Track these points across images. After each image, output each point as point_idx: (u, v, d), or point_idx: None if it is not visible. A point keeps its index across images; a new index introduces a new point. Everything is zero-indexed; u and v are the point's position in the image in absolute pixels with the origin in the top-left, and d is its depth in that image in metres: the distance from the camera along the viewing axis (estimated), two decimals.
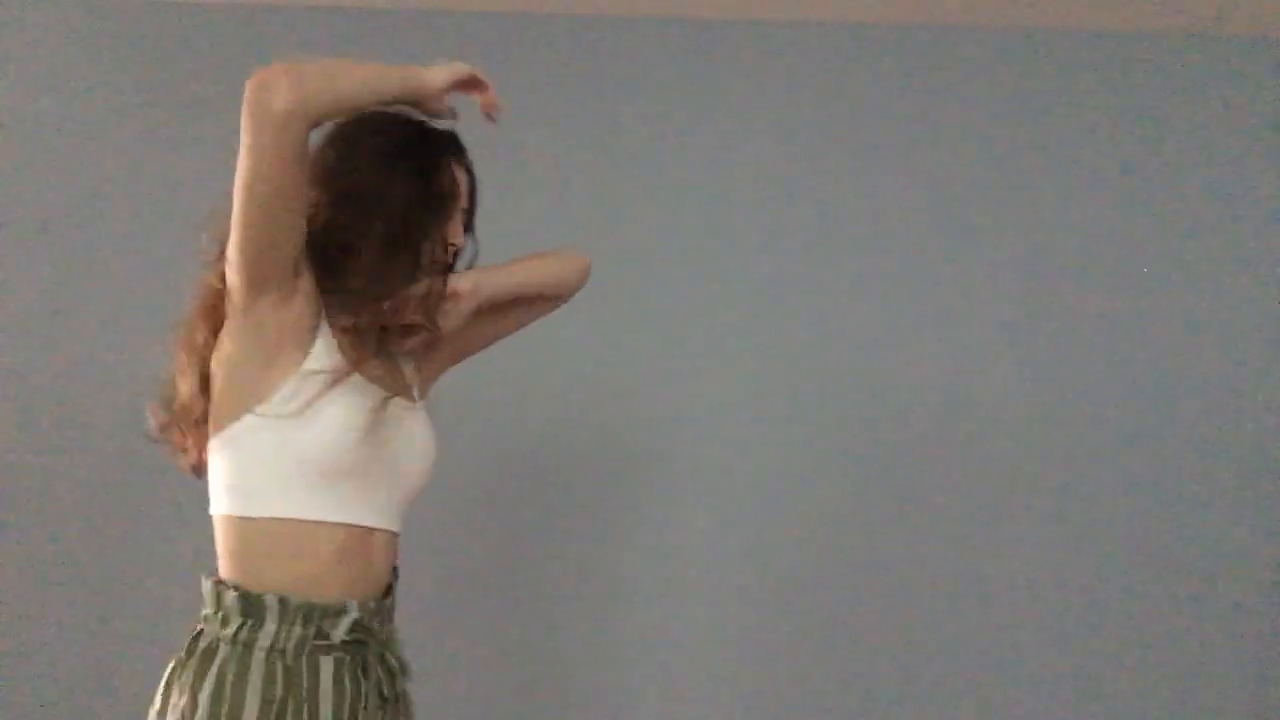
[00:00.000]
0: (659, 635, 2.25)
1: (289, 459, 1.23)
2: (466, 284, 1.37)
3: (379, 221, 1.28)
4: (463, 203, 1.37)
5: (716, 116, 2.38)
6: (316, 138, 1.25)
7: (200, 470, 1.33)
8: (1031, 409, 2.33)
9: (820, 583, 2.27)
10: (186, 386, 1.30)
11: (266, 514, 1.25)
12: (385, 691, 1.30)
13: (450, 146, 1.37)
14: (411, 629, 1.46)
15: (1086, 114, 2.40)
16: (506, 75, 2.43)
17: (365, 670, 1.28)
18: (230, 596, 1.23)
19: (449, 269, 1.38)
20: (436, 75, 1.28)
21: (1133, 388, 2.34)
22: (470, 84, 1.34)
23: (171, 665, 1.26)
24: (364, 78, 1.22)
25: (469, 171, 1.39)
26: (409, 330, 1.34)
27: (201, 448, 1.31)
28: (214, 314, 1.29)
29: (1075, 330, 2.35)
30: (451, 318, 1.36)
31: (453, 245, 1.37)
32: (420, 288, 1.32)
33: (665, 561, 2.27)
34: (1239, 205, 2.39)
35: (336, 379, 1.24)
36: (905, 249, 2.36)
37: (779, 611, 2.27)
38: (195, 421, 1.31)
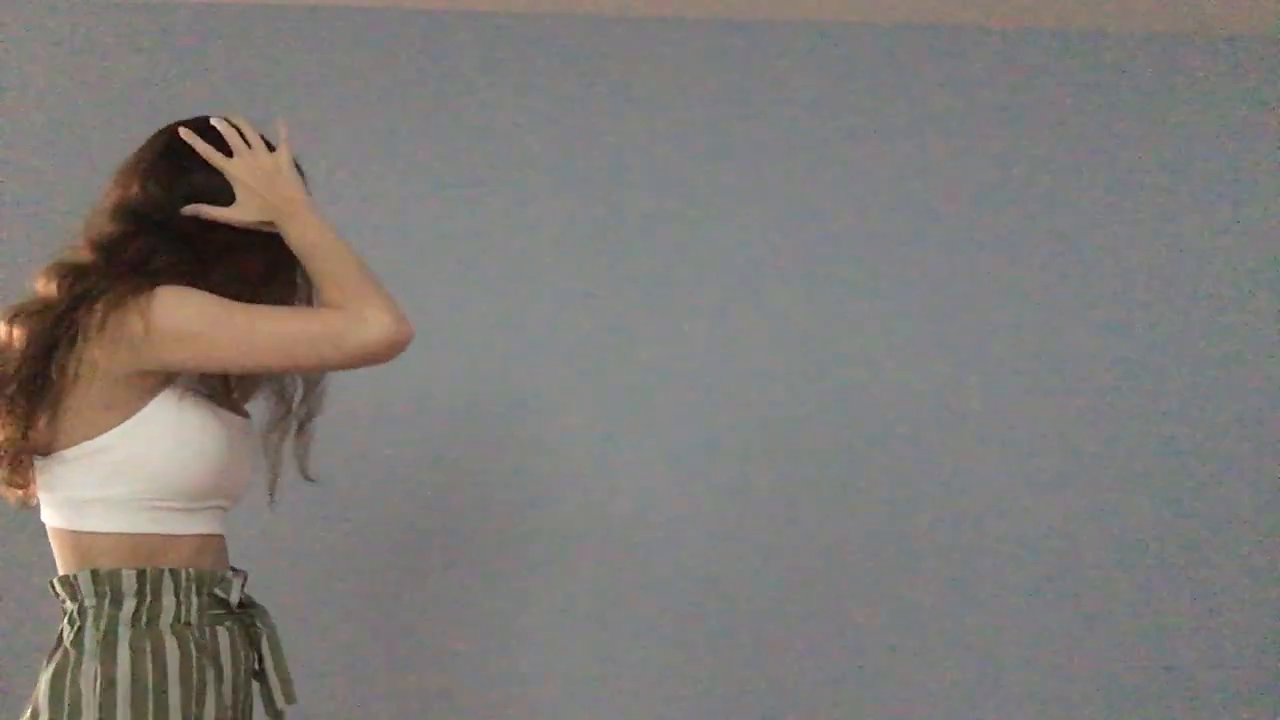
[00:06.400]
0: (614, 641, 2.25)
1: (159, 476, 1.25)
2: None
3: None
4: None
5: (716, 117, 2.38)
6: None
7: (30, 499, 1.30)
8: (1029, 413, 2.32)
9: (813, 586, 2.27)
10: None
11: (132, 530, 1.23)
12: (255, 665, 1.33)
13: None
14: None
15: (1087, 114, 2.40)
16: (507, 75, 2.44)
17: (253, 640, 1.31)
18: (128, 577, 1.20)
19: None
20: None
21: (1131, 389, 2.34)
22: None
23: (53, 669, 1.19)
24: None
25: None
26: None
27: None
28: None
29: (1074, 332, 2.35)
30: None
31: None
32: None
33: (630, 567, 2.27)
34: (1240, 206, 2.39)
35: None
36: (902, 250, 2.36)
37: (772, 614, 2.27)
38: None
